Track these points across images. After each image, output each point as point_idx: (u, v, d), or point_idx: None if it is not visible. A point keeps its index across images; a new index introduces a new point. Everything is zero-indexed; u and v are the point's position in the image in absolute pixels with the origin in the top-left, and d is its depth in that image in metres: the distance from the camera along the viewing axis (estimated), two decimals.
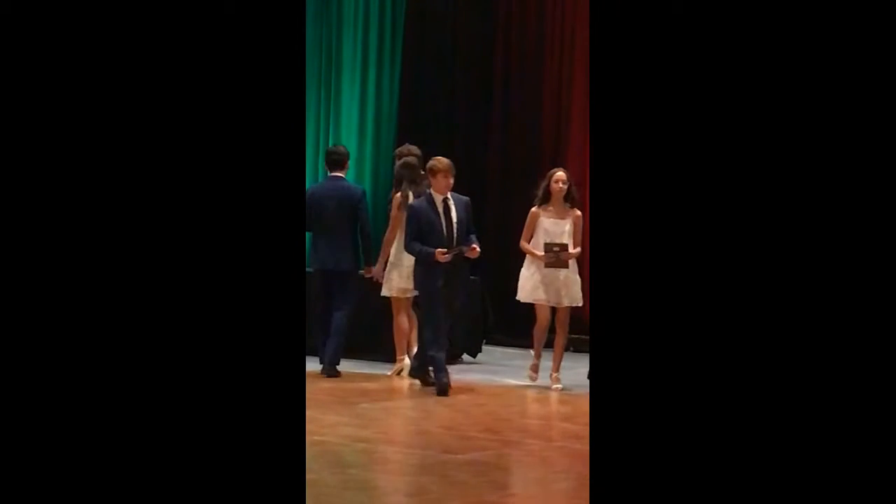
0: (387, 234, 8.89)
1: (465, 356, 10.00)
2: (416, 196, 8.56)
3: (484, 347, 10.23)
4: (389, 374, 8.83)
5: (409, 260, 8.53)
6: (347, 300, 8.79)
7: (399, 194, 8.82)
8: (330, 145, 10.56)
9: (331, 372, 8.70)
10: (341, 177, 8.99)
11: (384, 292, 8.84)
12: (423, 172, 8.81)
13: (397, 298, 8.82)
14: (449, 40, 12.04)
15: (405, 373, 8.73)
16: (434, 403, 7.70)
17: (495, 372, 9.18)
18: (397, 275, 8.76)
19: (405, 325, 8.84)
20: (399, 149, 9.58)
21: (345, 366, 8.86)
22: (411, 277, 8.53)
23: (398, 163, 9.08)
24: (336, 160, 9.02)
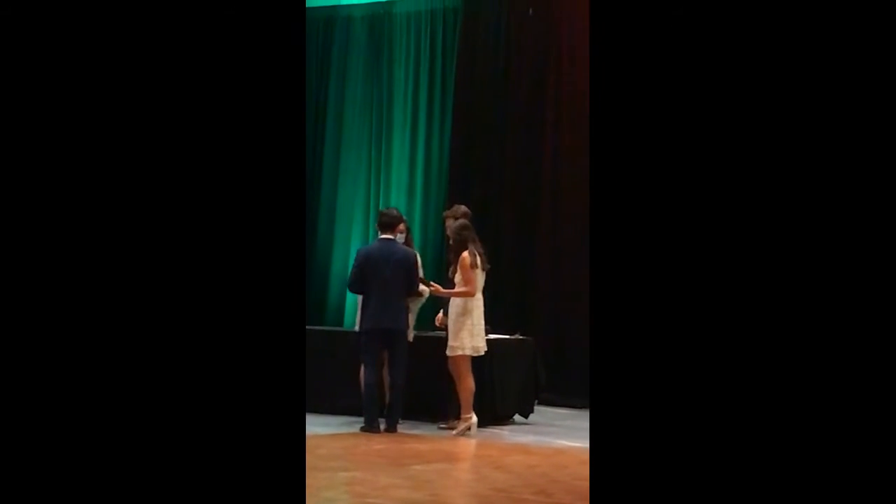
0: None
1: (518, 417, 9.91)
2: (475, 254, 8.97)
3: (536, 408, 10.14)
4: (454, 433, 8.89)
5: (478, 319, 8.91)
6: (404, 358, 9.00)
7: (466, 253, 8.98)
8: (381, 207, 10.62)
9: (392, 429, 8.89)
10: (392, 239, 9.11)
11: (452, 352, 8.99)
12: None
13: (464, 357, 8.96)
14: (500, 101, 12.06)
15: (473, 430, 8.84)
16: (487, 465, 7.62)
17: (548, 433, 9.07)
18: (468, 333, 8.95)
19: (471, 382, 8.94)
20: (451, 210, 9.65)
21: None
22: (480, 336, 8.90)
23: (458, 224, 9.17)
24: (386, 223, 9.19)
